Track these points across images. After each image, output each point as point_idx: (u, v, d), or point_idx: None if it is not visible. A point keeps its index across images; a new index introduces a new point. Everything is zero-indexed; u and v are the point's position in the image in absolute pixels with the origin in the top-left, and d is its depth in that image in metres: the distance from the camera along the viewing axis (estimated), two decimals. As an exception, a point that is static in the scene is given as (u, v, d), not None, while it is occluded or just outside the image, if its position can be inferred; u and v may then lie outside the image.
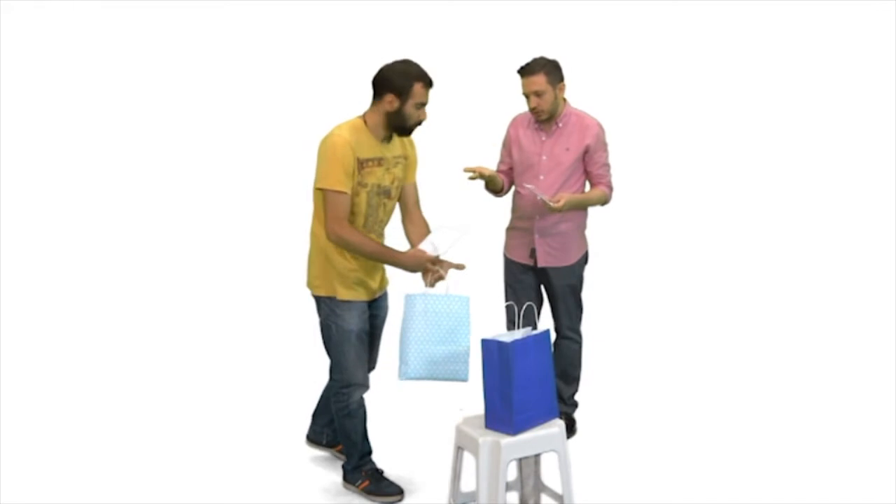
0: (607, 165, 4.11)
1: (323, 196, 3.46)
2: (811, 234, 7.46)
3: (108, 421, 4.53)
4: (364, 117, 3.53)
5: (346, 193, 3.43)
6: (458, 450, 3.36)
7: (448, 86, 7.82)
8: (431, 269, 3.50)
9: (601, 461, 4.09)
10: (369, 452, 3.78)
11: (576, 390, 4.34)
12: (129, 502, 3.73)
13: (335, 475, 3.95)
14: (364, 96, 3.79)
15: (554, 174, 4.03)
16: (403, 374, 3.42)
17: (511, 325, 4.19)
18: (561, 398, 4.30)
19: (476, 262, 4.83)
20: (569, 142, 4.03)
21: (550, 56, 4.06)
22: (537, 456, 3.51)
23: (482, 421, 3.30)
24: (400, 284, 4.89)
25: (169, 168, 8.05)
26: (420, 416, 4.60)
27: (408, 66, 3.45)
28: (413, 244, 3.64)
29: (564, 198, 3.89)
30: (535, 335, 3.24)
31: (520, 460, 3.50)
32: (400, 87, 3.42)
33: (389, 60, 3.50)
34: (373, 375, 4.22)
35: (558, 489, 3.67)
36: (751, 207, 7.88)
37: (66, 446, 4.25)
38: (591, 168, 4.07)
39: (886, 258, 6.99)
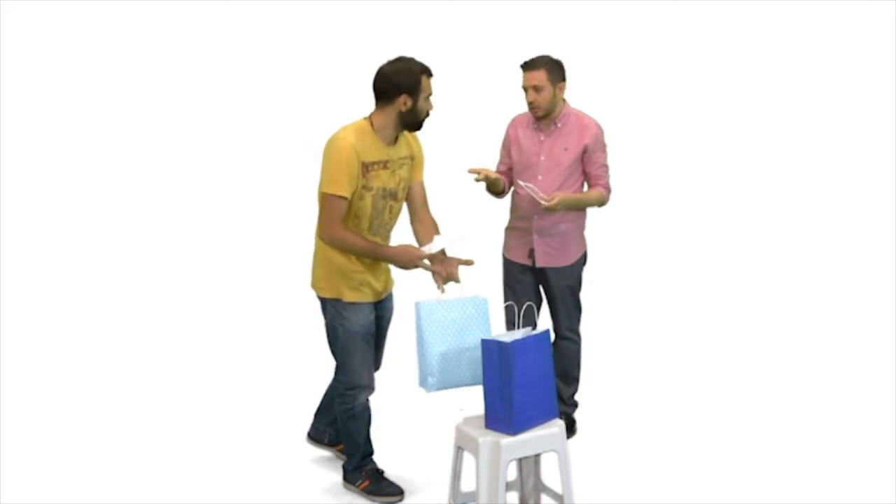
0: (605, 166, 4.10)
1: (322, 198, 3.45)
2: (811, 234, 7.47)
3: (109, 420, 4.53)
4: (370, 119, 3.49)
5: (346, 198, 3.42)
6: (459, 450, 3.37)
7: (448, 86, 7.83)
8: (424, 266, 3.44)
9: (601, 461, 4.10)
10: (371, 453, 3.79)
11: (575, 390, 4.34)
12: (130, 502, 3.74)
13: (335, 475, 3.95)
14: (367, 95, 3.78)
15: (553, 174, 4.02)
16: (430, 387, 3.33)
17: (511, 325, 4.19)
18: (561, 398, 4.30)
19: (476, 262, 4.83)
20: (567, 142, 4.02)
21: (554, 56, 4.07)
22: (537, 456, 3.51)
23: (482, 421, 3.31)
24: (405, 286, 4.89)
25: (175, 169, 8.06)
26: (420, 417, 4.61)
27: (409, 63, 3.43)
28: (422, 246, 3.61)
29: (559, 196, 3.86)
30: (535, 335, 3.24)
31: (520, 460, 3.51)
32: (410, 85, 3.41)
33: (385, 62, 3.50)
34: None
35: (558, 489, 3.68)
36: (750, 207, 7.89)
37: (67, 446, 4.25)
38: (589, 168, 4.06)
39: (886, 258, 7.00)
